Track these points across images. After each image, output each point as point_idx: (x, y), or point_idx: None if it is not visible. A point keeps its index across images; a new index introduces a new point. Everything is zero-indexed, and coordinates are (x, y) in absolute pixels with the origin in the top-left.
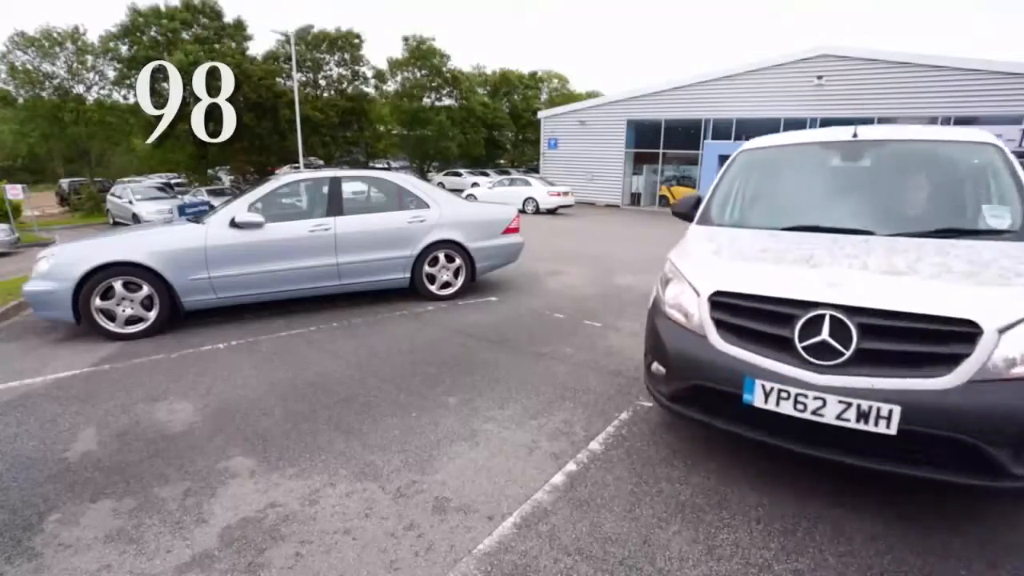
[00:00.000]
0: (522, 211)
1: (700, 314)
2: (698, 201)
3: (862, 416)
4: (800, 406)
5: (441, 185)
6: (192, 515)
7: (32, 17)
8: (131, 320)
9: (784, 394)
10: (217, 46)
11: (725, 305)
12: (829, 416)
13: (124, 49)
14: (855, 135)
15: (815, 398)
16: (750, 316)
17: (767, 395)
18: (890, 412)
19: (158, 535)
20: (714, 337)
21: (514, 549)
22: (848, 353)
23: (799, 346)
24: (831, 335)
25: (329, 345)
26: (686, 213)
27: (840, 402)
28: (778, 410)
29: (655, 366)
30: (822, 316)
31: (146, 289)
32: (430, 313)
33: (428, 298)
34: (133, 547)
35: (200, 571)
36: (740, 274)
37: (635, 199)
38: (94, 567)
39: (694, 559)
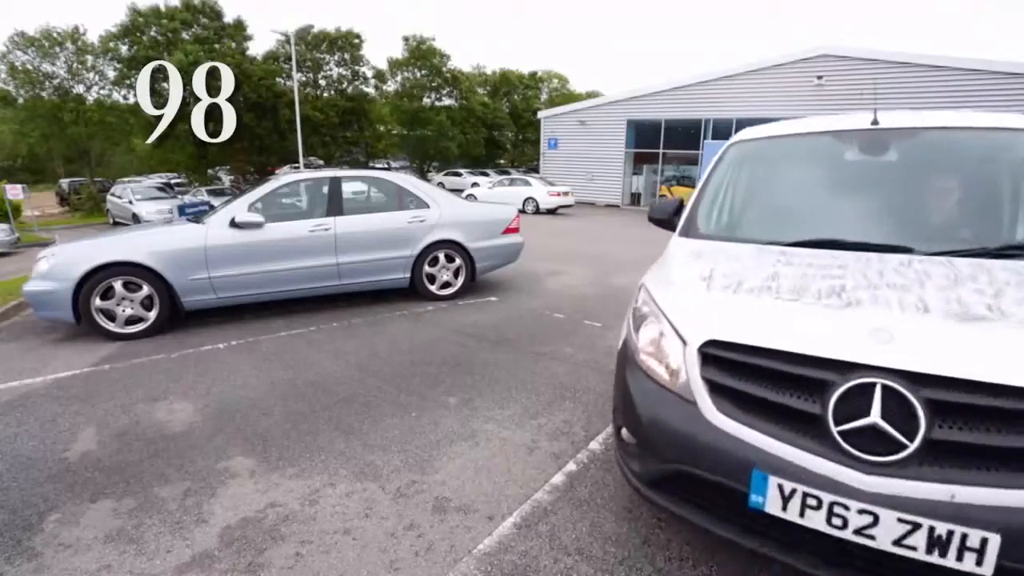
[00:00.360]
0: (522, 211)
1: (687, 371)
2: (680, 205)
3: (936, 544)
4: (837, 520)
5: (441, 185)
6: (192, 515)
7: (32, 17)
8: (131, 320)
9: (812, 501)
10: (217, 46)
11: (723, 361)
12: (882, 540)
13: (124, 49)
14: (875, 122)
15: (861, 511)
16: (759, 379)
17: (786, 500)
18: (983, 541)
19: (158, 535)
20: (707, 406)
21: (514, 549)
22: (912, 446)
23: (834, 430)
24: (885, 416)
25: (329, 345)
26: (666, 220)
27: (901, 521)
28: (802, 522)
29: (625, 432)
30: (870, 386)
31: (146, 289)
32: (430, 313)
33: (428, 298)
34: (133, 547)
35: (200, 571)
36: (743, 315)
37: (635, 199)
38: (94, 567)
39: (694, 559)
